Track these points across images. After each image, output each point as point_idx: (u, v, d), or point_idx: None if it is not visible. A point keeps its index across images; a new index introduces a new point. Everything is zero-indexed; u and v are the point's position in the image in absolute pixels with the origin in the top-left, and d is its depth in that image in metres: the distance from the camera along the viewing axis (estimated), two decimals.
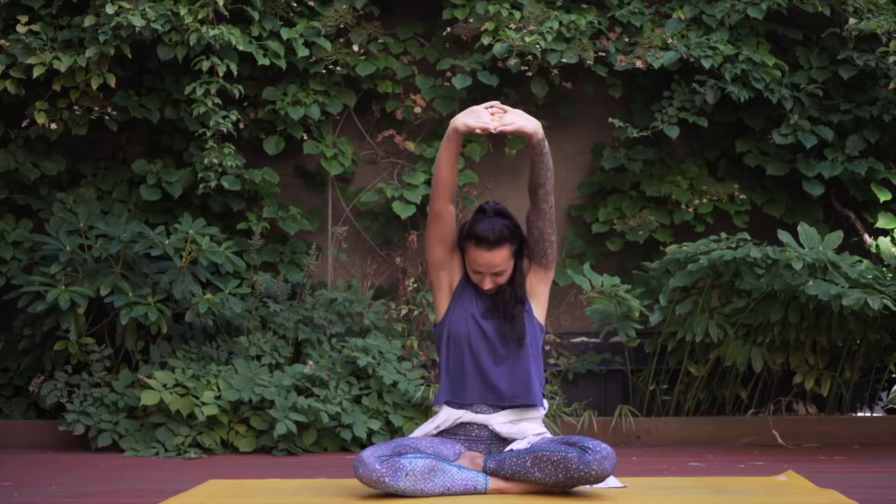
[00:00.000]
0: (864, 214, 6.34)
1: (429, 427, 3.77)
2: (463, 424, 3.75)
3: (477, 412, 3.74)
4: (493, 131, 3.52)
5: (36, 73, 5.68)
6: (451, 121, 3.59)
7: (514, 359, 3.72)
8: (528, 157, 3.65)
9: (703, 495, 3.73)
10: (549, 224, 3.71)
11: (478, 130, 3.55)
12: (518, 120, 3.56)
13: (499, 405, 3.73)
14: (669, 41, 6.12)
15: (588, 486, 3.66)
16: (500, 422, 3.73)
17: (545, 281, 3.81)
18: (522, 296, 3.77)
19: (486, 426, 3.74)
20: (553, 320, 6.41)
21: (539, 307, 3.80)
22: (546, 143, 3.60)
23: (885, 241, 6.05)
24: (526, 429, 3.72)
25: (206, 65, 5.81)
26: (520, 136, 4.12)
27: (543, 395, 3.79)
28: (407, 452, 3.58)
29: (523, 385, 3.71)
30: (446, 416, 3.75)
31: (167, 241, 5.64)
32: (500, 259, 3.70)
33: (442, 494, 3.53)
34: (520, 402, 3.72)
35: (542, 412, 3.78)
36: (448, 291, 3.80)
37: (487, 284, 3.73)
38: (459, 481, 3.55)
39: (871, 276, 5.48)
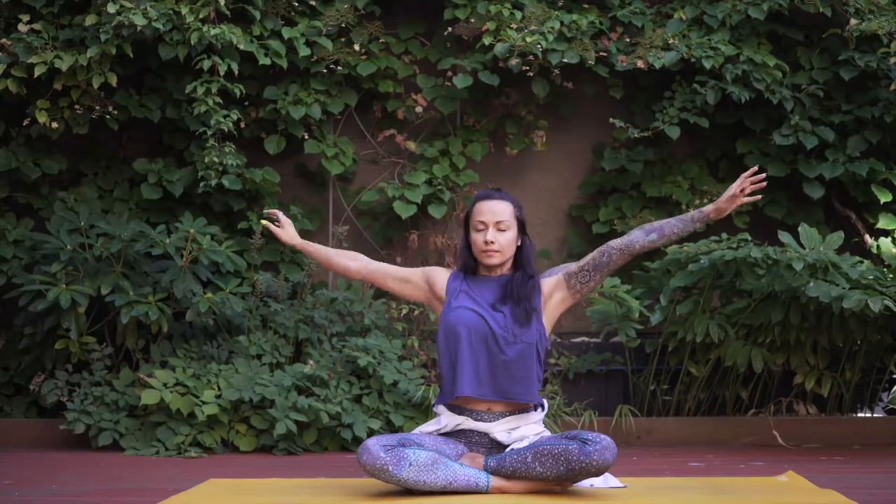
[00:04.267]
0: (865, 215, 6.33)
1: (430, 428, 3.77)
2: (463, 430, 3.75)
3: (477, 419, 3.72)
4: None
5: (37, 72, 5.68)
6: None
7: (517, 354, 3.68)
8: (692, 221, 3.92)
9: (703, 495, 3.73)
10: (621, 263, 3.75)
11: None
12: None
13: (496, 404, 3.72)
14: (670, 41, 6.12)
15: (589, 485, 3.66)
16: (500, 430, 3.71)
17: (563, 305, 3.79)
18: (532, 272, 3.76)
19: (486, 434, 3.73)
20: None
21: (548, 320, 3.78)
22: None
23: (885, 242, 6.05)
24: (525, 433, 3.72)
25: (207, 64, 5.81)
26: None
27: (540, 400, 3.78)
28: (411, 445, 3.58)
29: (524, 382, 3.68)
30: (447, 420, 3.74)
31: (168, 241, 5.64)
32: (503, 208, 3.73)
33: (444, 489, 3.53)
34: (516, 399, 3.70)
35: (541, 414, 3.78)
36: (440, 300, 3.81)
37: (490, 236, 3.71)
38: (462, 477, 3.55)
39: (871, 277, 5.48)
